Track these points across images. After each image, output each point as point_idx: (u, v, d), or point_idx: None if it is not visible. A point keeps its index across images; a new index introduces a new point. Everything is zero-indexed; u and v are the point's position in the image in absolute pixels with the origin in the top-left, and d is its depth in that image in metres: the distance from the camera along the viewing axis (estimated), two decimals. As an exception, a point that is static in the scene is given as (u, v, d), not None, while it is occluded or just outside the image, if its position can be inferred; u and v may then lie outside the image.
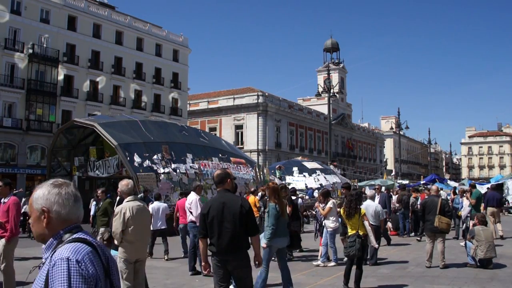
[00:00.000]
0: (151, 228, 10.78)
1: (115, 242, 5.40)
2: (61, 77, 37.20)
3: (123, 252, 5.34)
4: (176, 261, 10.68)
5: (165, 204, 12.26)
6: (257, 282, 6.46)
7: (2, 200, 6.52)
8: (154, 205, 11.34)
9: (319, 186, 25.04)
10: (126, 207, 5.35)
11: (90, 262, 1.82)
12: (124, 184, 5.58)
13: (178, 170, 18.83)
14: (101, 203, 11.46)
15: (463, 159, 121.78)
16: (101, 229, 10.47)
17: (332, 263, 9.67)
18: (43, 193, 1.97)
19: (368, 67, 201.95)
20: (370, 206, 9.34)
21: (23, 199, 16.26)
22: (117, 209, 5.47)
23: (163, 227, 11.28)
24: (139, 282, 5.46)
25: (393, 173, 49.25)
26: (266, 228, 6.56)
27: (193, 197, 9.23)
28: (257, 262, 4.80)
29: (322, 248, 9.81)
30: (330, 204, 9.78)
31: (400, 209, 15.60)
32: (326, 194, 10.19)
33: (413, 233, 15.03)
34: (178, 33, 50.18)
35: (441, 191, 16.99)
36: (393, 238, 14.98)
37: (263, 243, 6.54)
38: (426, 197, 13.43)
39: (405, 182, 35.75)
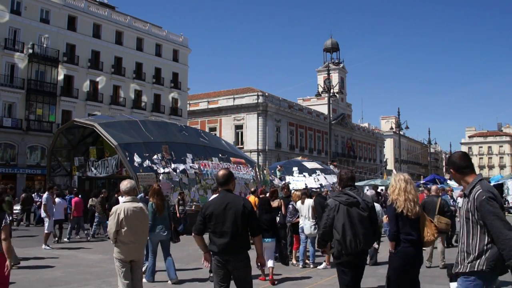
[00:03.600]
0: (54, 218, 13.62)
1: (111, 241, 5.42)
2: (61, 77, 37.22)
3: (117, 252, 5.37)
4: (176, 262, 10.67)
5: (64, 200, 15.07)
6: (148, 268, 8.14)
7: None
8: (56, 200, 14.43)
9: (319, 186, 25.06)
10: (122, 208, 5.37)
11: None
12: (124, 184, 5.60)
13: (178, 170, 18.83)
14: None
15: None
16: None
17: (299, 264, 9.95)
18: None
19: (368, 67, 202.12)
20: (369, 206, 9.32)
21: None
22: (113, 209, 5.49)
23: (61, 218, 14.21)
24: (136, 282, 5.47)
25: (394, 173, 49.29)
26: None
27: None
28: (259, 264, 4.75)
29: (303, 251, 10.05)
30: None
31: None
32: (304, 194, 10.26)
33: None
34: (178, 33, 50.26)
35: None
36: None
37: None
38: (425, 197, 13.26)
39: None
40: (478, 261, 3.28)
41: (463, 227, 3.43)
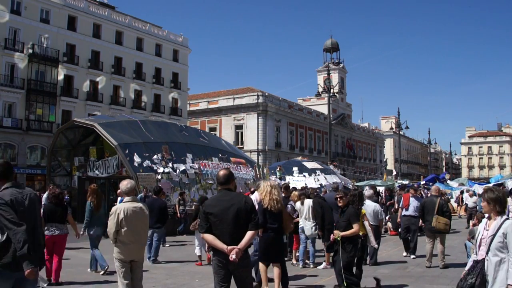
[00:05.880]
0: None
1: (111, 241, 5.42)
2: (61, 77, 37.22)
3: (117, 252, 5.37)
4: (176, 261, 10.70)
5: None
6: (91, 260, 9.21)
7: None
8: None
9: (319, 186, 25.02)
10: (121, 208, 5.37)
11: None
12: (124, 184, 5.60)
13: (178, 170, 18.83)
14: None
15: (463, 159, 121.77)
16: None
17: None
18: None
19: (368, 67, 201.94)
20: (368, 206, 9.33)
21: None
22: (112, 209, 5.49)
23: None
24: (135, 282, 5.47)
25: (394, 173, 49.18)
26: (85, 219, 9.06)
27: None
28: (234, 254, 4.35)
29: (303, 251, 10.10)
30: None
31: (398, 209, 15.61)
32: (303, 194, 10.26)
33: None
34: (178, 33, 50.26)
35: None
36: (393, 238, 15.02)
37: (81, 231, 8.97)
38: (410, 196, 12.69)
39: (405, 182, 35.69)
40: None
41: None
